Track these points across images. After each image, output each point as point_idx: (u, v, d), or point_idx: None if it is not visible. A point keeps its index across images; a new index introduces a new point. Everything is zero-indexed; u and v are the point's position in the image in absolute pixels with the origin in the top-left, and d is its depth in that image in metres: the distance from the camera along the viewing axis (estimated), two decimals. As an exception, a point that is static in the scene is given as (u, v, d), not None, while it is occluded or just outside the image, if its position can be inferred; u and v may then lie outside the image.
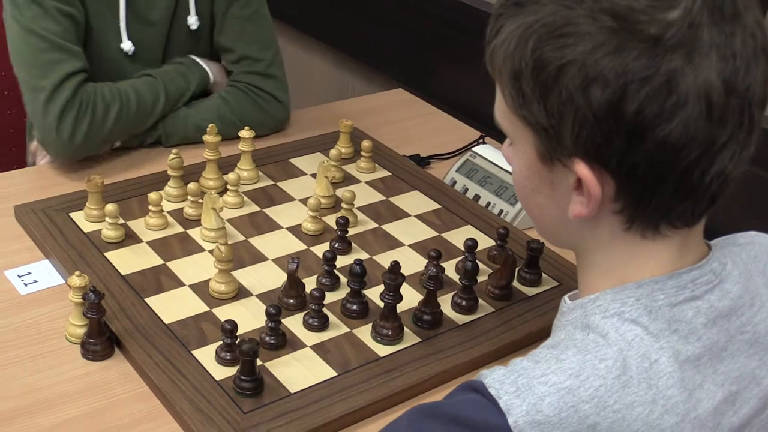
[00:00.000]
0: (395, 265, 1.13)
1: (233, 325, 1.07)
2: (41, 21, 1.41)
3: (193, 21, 1.59)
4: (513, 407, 0.71)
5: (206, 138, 1.42)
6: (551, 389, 0.71)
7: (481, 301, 1.24)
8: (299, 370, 1.09)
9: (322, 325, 1.16)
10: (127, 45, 1.52)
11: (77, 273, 1.10)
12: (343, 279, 1.24)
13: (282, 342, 1.12)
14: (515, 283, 1.28)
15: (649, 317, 0.75)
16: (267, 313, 1.10)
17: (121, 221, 1.32)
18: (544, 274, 1.30)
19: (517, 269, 1.28)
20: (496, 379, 0.73)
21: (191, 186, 1.36)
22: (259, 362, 1.08)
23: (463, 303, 1.22)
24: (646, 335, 0.74)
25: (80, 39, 1.48)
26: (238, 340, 1.06)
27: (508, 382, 0.72)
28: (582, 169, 0.74)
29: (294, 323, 1.17)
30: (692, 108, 0.69)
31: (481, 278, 1.26)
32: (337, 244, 1.31)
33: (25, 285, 1.22)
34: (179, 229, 1.34)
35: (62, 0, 1.43)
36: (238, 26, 1.61)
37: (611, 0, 0.70)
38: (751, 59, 0.71)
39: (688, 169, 0.72)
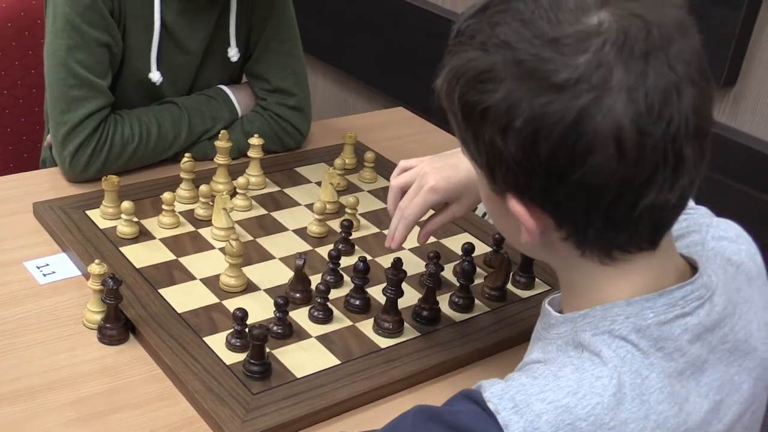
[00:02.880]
0: (397, 262, 1.20)
1: (244, 312, 1.13)
2: (77, 52, 1.45)
3: (233, 53, 1.63)
4: (511, 423, 0.73)
5: (218, 144, 1.49)
6: (549, 407, 0.73)
7: (477, 301, 1.30)
8: (305, 358, 1.15)
9: (327, 317, 1.22)
10: (155, 76, 1.56)
11: (96, 261, 1.16)
12: (347, 277, 1.31)
13: (289, 332, 1.19)
14: (510, 286, 1.35)
15: (637, 335, 0.78)
16: (275, 304, 1.17)
17: (136, 219, 1.38)
18: (537, 279, 1.37)
19: (511, 273, 1.35)
20: (494, 393, 0.75)
21: (203, 188, 1.42)
22: (267, 349, 1.14)
23: (461, 302, 1.28)
24: (636, 352, 0.77)
25: (113, 67, 1.52)
26: (248, 327, 1.12)
27: (506, 398, 0.75)
28: (514, 205, 0.78)
29: (300, 316, 1.23)
30: (603, 151, 0.71)
31: (477, 281, 1.33)
32: (341, 246, 1.38)
33: (44, 275, 1.28)
34: (190, 228, 1.41)
35: (102, 30, 1.46)
36: (276, 59, 1.66)
37: (522, 49, 0.72)
38: (671, 94, 0.71)
39: (611, 206, 0.74)
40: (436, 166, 1.16)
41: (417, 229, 1.45)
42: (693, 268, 0.85)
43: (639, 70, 0.71)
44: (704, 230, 0.93)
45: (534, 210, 0.78)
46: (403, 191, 1.18)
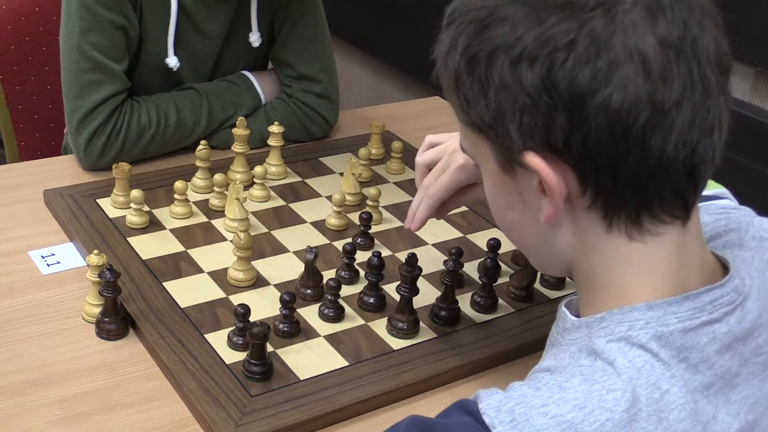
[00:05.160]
0: (412, 257, 1.12)
1: (246, 309, 1.06)
2: (91, 34, 1.40)
3: (255, 38, 1.57)
4: None
5: (235, 131, 1.43)
6: (551, 422, 0.66)
7: (501, 301, 1.22)
8: (311, 358, 1.08)
9: (338, 315, 1.15)
10: (172, 61, 1.50)
11: (95, 252, 1.11)
12: (363, 273, 1.23)
13: (295, 330, 1.12)
14: (538, 286, 1.26)
15: (658, 343, 0.70)
16: (281, 300, 1.10)
17: (147, 208, 1.32)
18: (567, 278, 1.27)
19: (539, 271, 1.26)
20: (491, 405, 0.68)
21: (217, 177, 1.36)
22: (270, 348, 1.07)
23: (482, 302, 1.20)
24: (656, 362, 0.69)
25: (129, 51, 1.47)
26: (249, 325, 1.06)
27: (504, 410, 0.67)
28: (532, 159, 0.70)
29: (310, 313, 1.16)
30: (627, 67, 0.66)
31: (503, 280, 1.25)
32: (359, 240, 1.31)
33: (48, 265, 1.23)
34: (203, 218, 1.35)
35: (117, 12, 1.41)
36: (301, 45, 1.60)
37: None
38: (688, 17, 0.68)
39: (642, 136, 0.67)
40: None
41: (441, 222, 1.39)
42: (725, 268, 0.76)
43: None
44: (744, 229, 0.84)
45: (556, 167, 0.70)
46: (429, 169, 1.12)
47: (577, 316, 0.78)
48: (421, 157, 1.13)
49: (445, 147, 1.10)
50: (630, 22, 0.66)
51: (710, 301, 0.72)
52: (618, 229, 0.72)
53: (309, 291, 1.19)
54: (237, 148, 1.43)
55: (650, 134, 0.67)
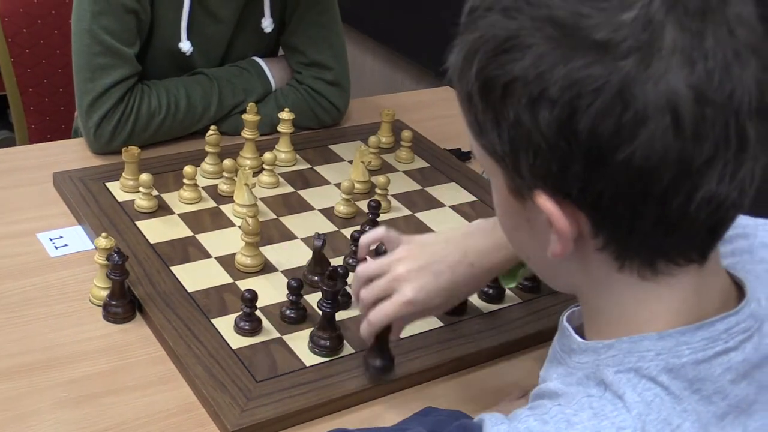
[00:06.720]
0: (333, 271, 1.07)
1: (253, 294, 1.06)
2: (103, 18, 1.40)
3: (267, 24, 1.57)
4: None
5: (245, 117, 1.43)
6: None
7: (509, 292, 1.22)
8: (317, 345, 1.08)
9: (344, 303, 1.15)
10: (185, 45, 1.50)
11: (104, 235, 1.11)
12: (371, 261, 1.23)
13: (302, 317, 1.12)
14: (545, 277, 1.25)
15: (668, 376, 0.66)
16: (288, 287, 1.10)
17: (155, 192, 1.33)
18: (575, 270, 1.27)
19: (548, 262, 1.25)
20: None
21: (227, 162, 1.36)
22: (277, 334, 1.08)
23: (490, 291, 1.20)
24: (666, 396, 0.65)
25: (141, 35, 1.47)
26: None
27: None
28: (544, 202, 0.64)
29: (317, 300, 1.15)
30: (656, 123, 0.59)
31: (511, 270, 1.24)
32: (367, 227, 1.30)
33: (56, 248, 1.23)
34: (212, 204, 1.35)
35: None
36: (312, 31, 1.59)
37: (555, 5, 0.61)
38: (732, 60, 0.60)
39: (664, 197, 0.61)
40: (413, 267, 0.99)
41: (450, 212, 1.38)
42: (739, 288, 0.73)
43: (695, 30, 0.60)
44: (751, 234, 0.79)
45: (568, 209, 0.64)
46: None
47: (579, 331, 0.74)
48: (363, 269, 1.02)
49: (389, 263, 1.00)
50: (665, 70, 0.59)
51: (725, 329, 0.67)
52: (630, 270, 0.67)
53: (316, 278, 1.18)
54: (247, 134, 1.43)
55: (672, 195, 0.62)
